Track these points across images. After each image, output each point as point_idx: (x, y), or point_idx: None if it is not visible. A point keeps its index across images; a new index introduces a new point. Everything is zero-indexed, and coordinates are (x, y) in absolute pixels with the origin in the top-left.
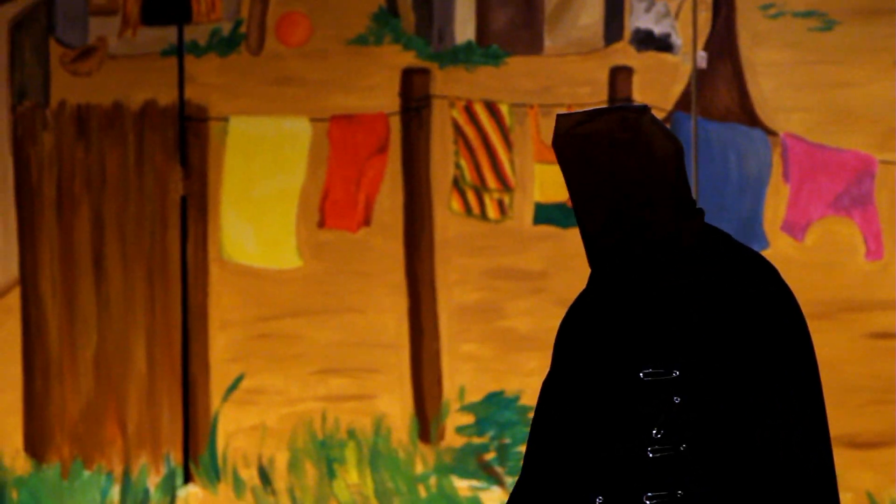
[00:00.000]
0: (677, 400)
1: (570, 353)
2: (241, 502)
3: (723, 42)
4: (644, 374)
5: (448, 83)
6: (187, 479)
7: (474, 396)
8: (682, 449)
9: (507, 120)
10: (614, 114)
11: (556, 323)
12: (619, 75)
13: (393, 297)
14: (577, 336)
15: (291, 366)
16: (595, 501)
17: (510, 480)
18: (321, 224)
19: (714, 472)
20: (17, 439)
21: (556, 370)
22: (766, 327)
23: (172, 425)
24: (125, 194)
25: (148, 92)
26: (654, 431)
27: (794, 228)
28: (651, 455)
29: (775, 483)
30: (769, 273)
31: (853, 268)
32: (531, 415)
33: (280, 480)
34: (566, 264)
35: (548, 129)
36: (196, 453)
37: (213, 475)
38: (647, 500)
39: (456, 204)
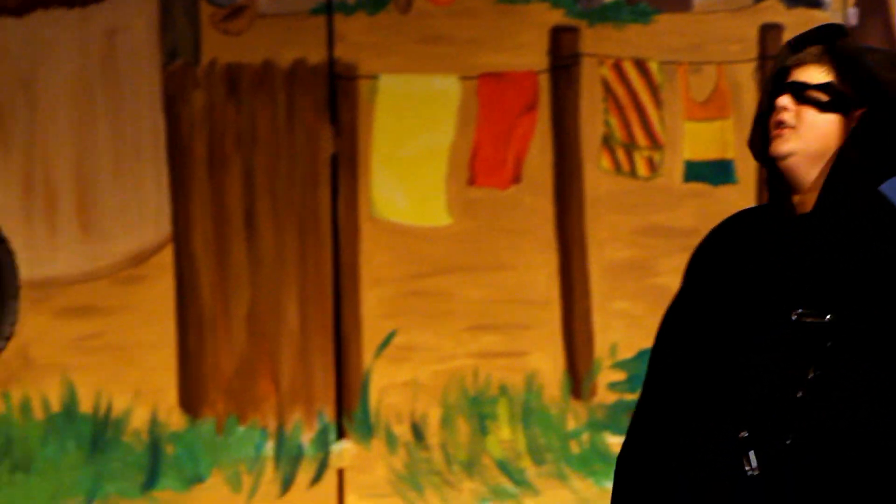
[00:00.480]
0: (829, 344)
1: (707, 279)
2: (394, 458)
3: None
4: (797, 314)
5: (597, 41)
6: (340, 434)
7: (626, 353)
8: (829, 393)
9: (657, 77)
10: None
11: None
12: (769, 32)
13: (544, 254)
14: (717, 263)
15: (443, 322)
16: (739, 436)
17: None
18: (471, 181)
19: (854, 420)
20: (172, 395)
21: (687, 295)
22: None
23: (325, 382)
24: (276, 152)
25: (298, 50)
26: (803, 373)
27: None
28: (800, 396)
29: None
30: None
31: None
32: None
33: (433, 436)
34: (716, 221)
35: (697, 86)
36: (349, 409)
37: (366, 431)
38: (789, 440)
39: (606, 161)
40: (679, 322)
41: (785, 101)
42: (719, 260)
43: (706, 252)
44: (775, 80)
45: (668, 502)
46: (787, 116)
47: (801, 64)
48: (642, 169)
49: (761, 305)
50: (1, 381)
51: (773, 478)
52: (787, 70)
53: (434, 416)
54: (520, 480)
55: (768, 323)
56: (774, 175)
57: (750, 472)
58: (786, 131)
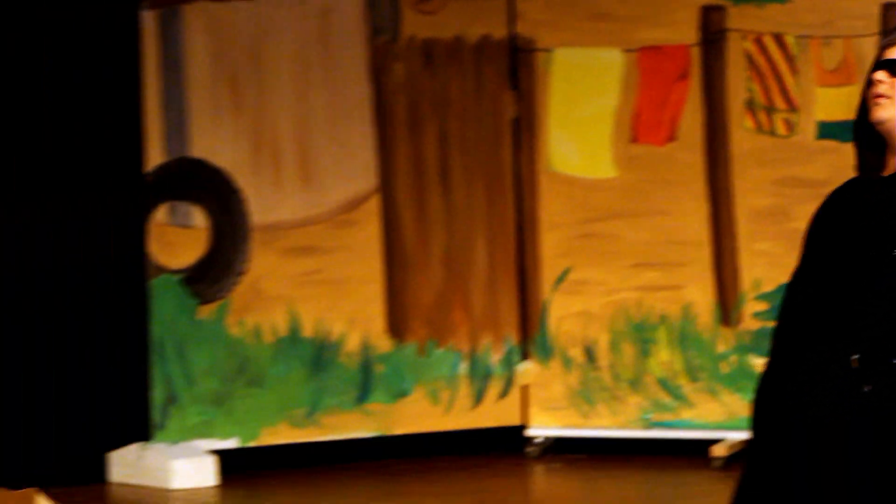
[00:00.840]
0: None
1: (823, 231)
2: (570, 376)
3: None
4: None
5: (741, 18)
6: (524, 356)
7: (767, 287)
8: None
9: (793, 50)
10: None
11: None
12: (890, 10)
13: (696, 202)
14: (829, 219)
15: (611, 260)
16: (851, 358)
17: None
18: (633, 140)
19: None
20: (381, 322)
21: (807, 246)
22: None
23: (510, 311)
24: (465, 116)
25: (484, 27)
26: None
27: None
28: None
29: None
30: None
31: None
32: None
33: (602, 358)
34: (846, 173)
35: (828, 57)
36: (531, 335)
37: (545, 353)
38: (894, 361)
39: (749, 122)
40: (802, 268)
41: (880, 75)
42: (831, 216)
43: (821, 212)
44: (876, 60)
45: (793, 420)
46: (882, 88)
47: (892, 44)
48: (781, 128)
49: (867, 247)
50: (237, 311)
51: (883, 394)
52: (883, 51)
53: (603, 341)
54: (677, 395)
55: (873, 261)
56: (874, 141)
57: (866, 390)
58: (882, 100)
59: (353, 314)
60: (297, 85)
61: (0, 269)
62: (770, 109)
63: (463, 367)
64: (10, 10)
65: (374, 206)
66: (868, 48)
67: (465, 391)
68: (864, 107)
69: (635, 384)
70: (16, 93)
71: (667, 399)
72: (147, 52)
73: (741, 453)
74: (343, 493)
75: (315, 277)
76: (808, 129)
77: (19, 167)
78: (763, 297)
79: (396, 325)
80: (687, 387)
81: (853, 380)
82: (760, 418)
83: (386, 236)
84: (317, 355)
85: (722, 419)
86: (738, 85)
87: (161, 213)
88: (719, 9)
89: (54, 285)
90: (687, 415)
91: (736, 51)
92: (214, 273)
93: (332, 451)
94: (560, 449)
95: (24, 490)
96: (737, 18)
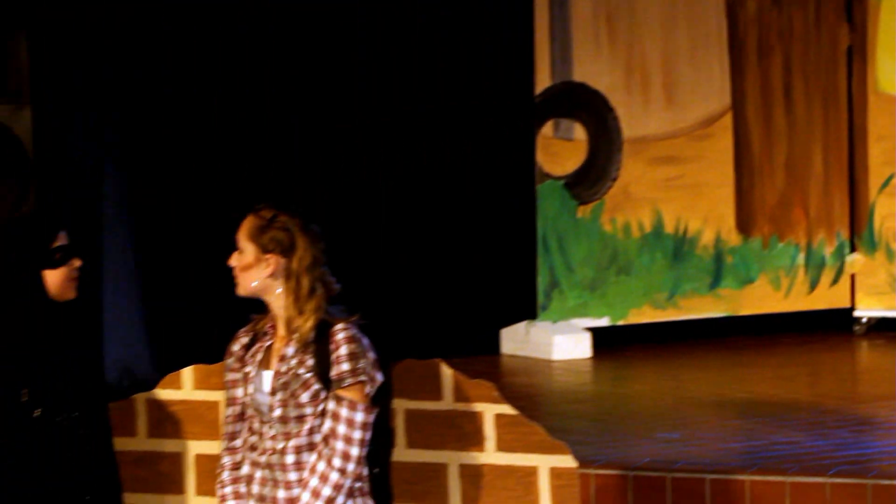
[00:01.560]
0: None
1: None
2: (892, 266)
3: None
4: None
5: None
6: (853, 249)
7: None
8: None
9: None
10: None
11: None
12: None
13: None
14: None
15: None
16: None
17: None
18: None
19: None
20: (730, 220)
21: None
22: None
23: (842, 211)
24: (806, 45)
25: None
26: None
27: None
28: None
29: None
30: None
31: None
32: None
33: None
34: None
35: None
36: (859, 231)
37: (871, 246)
38: None
39: None
40: None
41: None
42: None
43: None
44: None
45: None
46: None
47: None
48: None
49: None
50: (609, 210)
51: None
52: None
53: None
54: None
55: None
56: None
57: None
58: None
59: (708, 213)
60: (664, 20)
61: (423, 172)
62: None
63: (800, 258)
64: None
65: (727, 121)
66: None
67: (801, 278)
68: None
69: None
70: (440, 36)
71: None
72: None
73: None
74: (696, 364)
75: (676, 182)
76: None
77: (437, 106)
78: None
79: (744, 223)
80: None
81: None
82: None
83: (737, 147)
84: (676, 248)
85: None
86: None
87: (547, 128)
88: None
89: (459, 188)
90: None
91: None
92: (591, 179)
93: (687, 329)
94: (882, 327)
95: (430, 360)
96: None
